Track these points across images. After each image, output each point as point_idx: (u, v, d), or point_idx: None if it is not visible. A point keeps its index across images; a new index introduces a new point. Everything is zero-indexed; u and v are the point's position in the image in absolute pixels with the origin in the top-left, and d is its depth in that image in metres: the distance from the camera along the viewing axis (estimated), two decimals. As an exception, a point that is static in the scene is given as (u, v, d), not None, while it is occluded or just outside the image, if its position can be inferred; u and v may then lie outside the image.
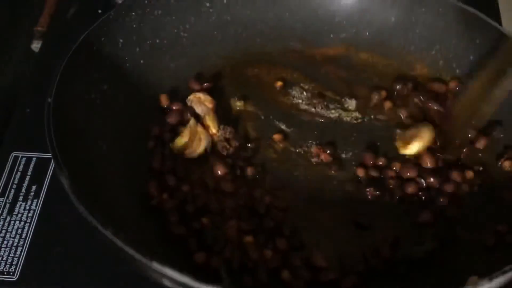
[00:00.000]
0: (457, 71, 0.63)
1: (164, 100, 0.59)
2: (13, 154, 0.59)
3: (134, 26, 0.61)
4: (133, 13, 0.60)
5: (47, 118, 0.49)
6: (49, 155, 0.49)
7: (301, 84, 0.63)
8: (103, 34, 0.58)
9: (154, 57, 0.62)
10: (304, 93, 0.62)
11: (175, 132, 0.57)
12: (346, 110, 0.61)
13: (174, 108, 0.59)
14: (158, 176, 0.53)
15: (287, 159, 0.56)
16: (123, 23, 0.60)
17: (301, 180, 0.55)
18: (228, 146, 0.55)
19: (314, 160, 0.56)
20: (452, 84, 0.62)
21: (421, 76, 0.64)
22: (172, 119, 0.58)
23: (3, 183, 0.57)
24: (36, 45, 0.71)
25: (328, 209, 0.52)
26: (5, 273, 0.51)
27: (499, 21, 0.71)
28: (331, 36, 0.67)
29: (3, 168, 0.58)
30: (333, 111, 0.61)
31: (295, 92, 0.63)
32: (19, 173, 0.58)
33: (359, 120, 0.60)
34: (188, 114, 0.57)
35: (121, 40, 0.59)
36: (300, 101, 0.62)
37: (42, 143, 0.47)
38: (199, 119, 0.57)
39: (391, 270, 0.48)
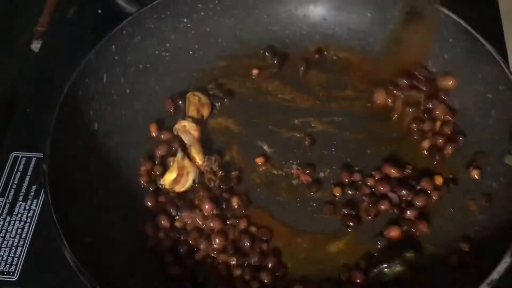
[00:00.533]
0: (433, 70, 0.65)
1: (153, 130, 0.63)
2: (13, 154, 0.60)
3: (116, 58, 0.63)
4: (113, 46, 0.62)
5: (43, 180, 0.51)
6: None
7: (280, 95, 0.66)
8: (87, 76, 0.60)
9: (139, 84, 0.64)
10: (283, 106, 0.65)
11: (165, 164, 0.60)
12: (324, 121, 0.64)
13: (162, 138, 0.62)
14: (152, 215, 0.57)
15: (270, 183, 0.60)
16: (104, 59, 0.61)
17: (283, 205, 0.58)
18: (214, 178, 0.59)
19: (294, 182, 0.60)
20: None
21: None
22: (161, 151, 0.61)
23: (3, 183, 0.58)
24: (36, 45, 0.72)
25: (308, 233, 0.57)
26: (5, 273, 0.52)
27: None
28: (310, 37, 0.69)
29: (3, 168, 0.59)
30: (312, 124, 0.64)
31: (274, 106, 0.65)
32: (19, 173, 0.59)
33: (338, 132, 0.63)
34: (176, 145, 0.61)
35: (105, 75, 0.62)
36: (279, 116, 0.64)
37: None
38: (184, 148, 0.61)
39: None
